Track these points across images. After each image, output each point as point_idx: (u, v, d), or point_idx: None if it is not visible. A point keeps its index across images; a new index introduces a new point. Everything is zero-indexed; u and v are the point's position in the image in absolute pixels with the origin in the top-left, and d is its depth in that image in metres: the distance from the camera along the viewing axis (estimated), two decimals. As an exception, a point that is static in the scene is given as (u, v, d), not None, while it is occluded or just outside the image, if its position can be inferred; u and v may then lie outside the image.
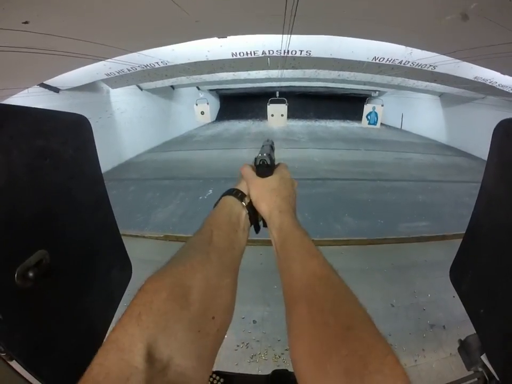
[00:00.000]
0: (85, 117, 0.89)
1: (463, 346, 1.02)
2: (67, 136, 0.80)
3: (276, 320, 3.43)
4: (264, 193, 0.67)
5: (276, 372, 0.87)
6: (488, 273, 0.86)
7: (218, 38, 5.15)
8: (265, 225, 0.69)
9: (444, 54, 4.39)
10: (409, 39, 4.08)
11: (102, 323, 0.85)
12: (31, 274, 0.57)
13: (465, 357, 1.01)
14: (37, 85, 6.35)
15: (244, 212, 0.65)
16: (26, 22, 2.36)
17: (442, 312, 3.48)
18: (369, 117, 9.87)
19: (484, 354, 0.91)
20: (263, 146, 0.84)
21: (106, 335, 0.37)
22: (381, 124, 18.98)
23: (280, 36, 4.35)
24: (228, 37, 5.09)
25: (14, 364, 0.61)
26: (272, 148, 0.83)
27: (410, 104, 16.88)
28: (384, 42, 4.83)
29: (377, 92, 17.99)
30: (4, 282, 0.54)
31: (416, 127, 16.97)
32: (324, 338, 0.38)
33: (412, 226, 5.52)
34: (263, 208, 0.65)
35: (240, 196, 0.67)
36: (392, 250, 4.85)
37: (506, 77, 5.73)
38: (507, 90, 6.78)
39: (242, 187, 0.70)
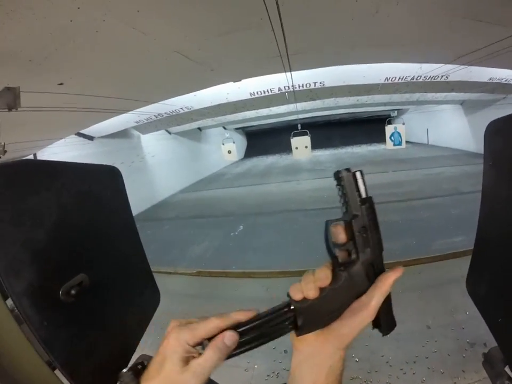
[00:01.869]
0: (116, 168, 1.10)
1: (487, 359, 0.98)
2: (104, 182, 1.02)
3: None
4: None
5: None
6: (502, 279, 0.83)
7: (234, 82, 5.52)
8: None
9: (448, 63, 4.43)
10: (406, 56, 4.18)
11: (132, 342, 0.97)
12: (73, 291, 0.72)
13: (489, 370, 0.97)
14: (73, 134, 6.77)
15: None
16: (61, 84, 2.74)
17: (482, 329, 3.23)
18: (392, 137, 9.73)
19: (507, 366, 0.88)
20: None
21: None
22: (408, 142, 18.54)
23: (284, 73, 4.61)
24: (243, 80, 5.44)
25: (57, 372, 0.73)
26: None
27: (434, 117, 16.44)
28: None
29: (396, 112, 17.85)
30: (51, 296, 0.69)
31: (443, 139, 16.41)
32: None
33: (447, 243, 5.27)
34: None
35: None
36: (427, 269, 4.63)
37: None
38: None
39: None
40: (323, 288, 0.47)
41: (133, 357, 0.94)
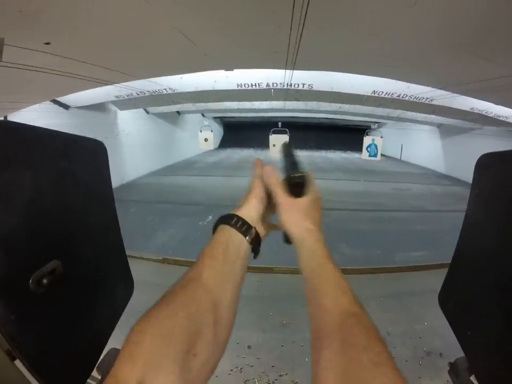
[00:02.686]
0: (103, 144, 1.00)
1: (452, 369, 1.03)
2: (87, 160, 0.90)
3: (270, 346, 3.38)
4: (296, 218, 0.63)
5: None
6: (471, 295, 0.92)
7: (225, 70, 5.38)
8: (288, 242, 0.66)
9: (438, 88, 4.57)
10: (403, 76, 4.27)
11: (103, 335, 0.90)
12: (45, 281, 0.62)
13: (455, 379, 1.02)
14: (48, 101, 6.52)
15: (245, 245, 0.62)
16: (47, 43, 2.51)
17: (439, 339, 3.40)
18: (369, 149, 9.99)
19: (473, 375, 0.93)
20: (286, 155, 0.75)
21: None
22: (382, 154, 19.17)
23: (284, 70, 4.55)
24: (235, 70, 5.32)
25: (18, 363, 0.65)
26: (298, 157, 0.74)
27: (410, 135, 17.21)
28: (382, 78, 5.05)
29: (376, 124, 18.37)
30: (19, 286, 0.59)
31: (415, 157, 17.23)
32: (355, 372, 0.41)
33: (409, 256, 5.51)
34: (295, 234, 0.63)
35: (244, 229, 0.62)
36: (389, 279, 4.80)
37: (499, 107, 5.93)
38: (502, 119, 6.98)
39: (247, 212, 0.65)
40: None
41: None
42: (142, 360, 0.40)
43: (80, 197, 0.83)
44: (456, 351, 2.99)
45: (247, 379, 3.03)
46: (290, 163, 0.71)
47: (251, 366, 3.19)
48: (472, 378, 0.94)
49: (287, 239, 0.65)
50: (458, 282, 1.03)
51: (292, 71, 4.56)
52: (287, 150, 0.77)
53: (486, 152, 0.92)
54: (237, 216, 0.63)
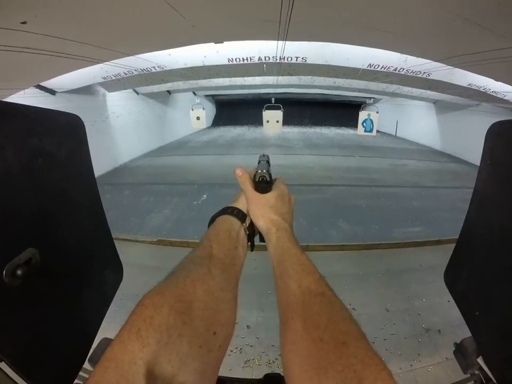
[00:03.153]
0: (80, 118, 0.88)
1: (459, 350, 1.00)
2: (62, 136, 0.80)
3: (269, 325, 3.40)
4: (262, 210, 0.68)
5: (268, 376, 0.86)
6: (482, 275, 0.87)
7: (215, 43, 5.19)
8: (262, 239, 0.70)
9: (436, 61, 4.44)
10: (402, 46, 4.12)
11: (92, 325, 0.84)
12: (19, 272, 0.56)
13: (461, 360, 0.99)
14: (33, 87, 6.31)
15: (243, 231, 0.66)
16: (24, 22, 2.35)
17: (437, 316, 3.47)
18: (364, 124, 9.87)
19: (480, 357, 0.90)
20: (259, 162, 0.84)
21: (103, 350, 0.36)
22: (378, 131, 19.13)
23: (276, 42, 4.39)
24: (225, 43, 5.13)
25: (2, 364, 0.59)
26: (268, 163, 0.83)
27: (405, 111, 17.11)
28: (379, 50, 4.89)
29: (372, 99, 18.18)
30: None
31: (411, 133, 17.18)
32: (320, 354, 0.38)
33: (407, 232, 5.55)
34: (261, 224, 0.67)
35: (241, 216, 0.68)
36: (387, 255, 4.85)
37: (500, 83, 5.82)
38: (500, 96, 6.90)
39: (242, 204, 0.71)
40: None
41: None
42: (152, 339, 0.35)
43: (56, 176, 0.74)
44: (454, 328, 3.04)
45: (248, 359, 3.06)
46: (261, 166, 0.78)
47: (251, 346, 3.23)
48: (479, 360, 0.91)
49: (262, 237, 0.70)
50: (467, 261, 0.97)
51: (284, 42, 4.38)
52: (262, 158, 0.86)
53: (481, 129, 0.89)
54: (232, 206, 0.70)
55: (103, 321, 0.89)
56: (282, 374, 0.44)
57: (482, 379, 0.92)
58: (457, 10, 2.33)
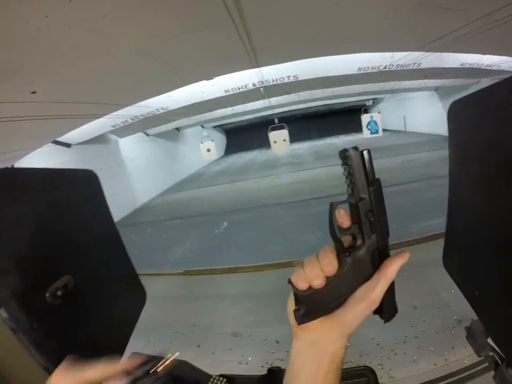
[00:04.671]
0: (93, 171, 1.08)
1: (469, 333, 1.01)
2: (78, 188, 1.02)
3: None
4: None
5: (270, 370, 0.95)
6: (471, 254, 0.87)
7: (207, 80, 5.49)
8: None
9: (416, 51, 4.52)
10: (373, 46, 4.25)
11: (121, 340, 0.99)
12: (59, 293, 0.73)
13: (472, 343, 0.99)
14: (49, 143, 6.65)
15: None
16: (34, 92, 2.69)
17: (468, 305, 3.33)
18: (369, 126, 9.88)
19: (489, 337, 0.90)
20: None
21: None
22: (386, 130, 18.87)
23: (254, 70, 4.65)
24: (215, 78, 5.42)
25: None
26: None
27: (410, 104, 16.85)
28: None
29: (371, 101, 18.10)
30: (38, 299, 0.70)
31: (419, 125, 16.83)
32: None
33: (426, 225, 5.44)
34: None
35: None
36: (409, 252, 4.76)
37: (488, 56, 5.79)
38: (495, 68, 6.79)
39: None
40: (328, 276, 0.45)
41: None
42: None
43: (79, 219, 0.96)
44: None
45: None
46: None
47: (281, 360, 3.19)
48: (490, 341, 0.92)
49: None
50: (456, 244, 0.98)
51: (260, 69, 4.63)
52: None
53: None
54: None
55: (135, 340, 1.04)
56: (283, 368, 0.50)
57: (497, 359, 0.92)
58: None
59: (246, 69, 4.55)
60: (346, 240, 0.47)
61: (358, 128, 18.48)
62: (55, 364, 0.69)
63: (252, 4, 1.95)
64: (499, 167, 0.67)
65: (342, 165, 0.47)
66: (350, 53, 4.69)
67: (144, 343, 3.24)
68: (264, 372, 3.06)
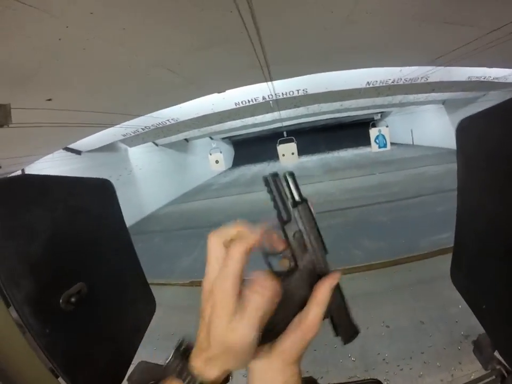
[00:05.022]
0: (109, 180, 1.11)
1: (476, 347, 1.01)
2: (94, 196, 1.04)
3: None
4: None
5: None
6: (479, 267, 0.87)
7: (218, 93, 5.58)
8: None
9: (426, 65, 4.55)
10: (385, 61, 4.30)
11: (129, 349, 0.99)
12: (73, 299, 0.74)
13: (479, 357, 0.99)
14: (61, 149, 6.76)
15: None
16: (49, 99, 2.77)
17: (475, 321, 3.26)
18: (377, 140, 9.90)
19: (496, 350, 0.89)
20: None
21: None
22: (393, 143, 18.88)
23: (266, 83, 4.72)
24: (227, 91, 5.50)
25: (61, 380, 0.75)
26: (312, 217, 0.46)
27: (417, 118, 16.84)
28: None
29: (379, 114, 18.13)
30: (52, 304, 0.72)
31: (427, 139, 16.79)
32: None
33: (435, 240, 5.36)
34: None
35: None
36: (417, 267, 4.70)
37: (494, 69, 5.81)
38: (502, 81, 6.80)
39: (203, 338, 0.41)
40: None
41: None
42: None
43: (95, 227, 0.98)
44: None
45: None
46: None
47: None
48: (497, 354, 0.90)
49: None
50: (464, 258, 0.98)
51: (272, 83, 4.70)
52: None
53: None
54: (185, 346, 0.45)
55: (142, 349, 1.04)
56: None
57: (504, 372, 0.93)
58: (421, 15, 2.49)
59: (258, 83, 4.61)
60: (283, 264, 0.45)
61: (366, 142, 18.47)
62: (63, 368, 0.71)
63: (268, 20, 2.00)
64: (508, 178, 0.68)
65: (267, 191, 0.46)
66: (360, 67, 4.73)
67: (148, 352, 3.19)
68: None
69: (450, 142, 13.87)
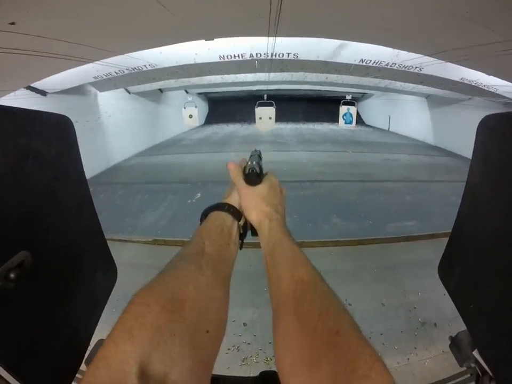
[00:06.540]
0: (68, 118, 0.87)
1: (454, 343, 1.01)
2: (50, 136, 0.78)
3: (266, 322, 3.41)
4: (253, 202, 0.67)
5: (263, 374, 0.85)
6: (475, 270, 0.87)
7: (206, 40, 5.15)
8: (254, 233, 0.70)
9: (428, 55, 4.45)
10: (393, 41, 4.13)
11: (87, 328, 0.84)
12: (12, 275, 0.55)
13: (457, 354, 1.00)
14: (24, 88, 6.24)
15: (236, 227, 0.65)
16: (12, 23, 2.32)
17: (433, 310, 3.50)
18: (344, 117, 10.33)
19: (476, 350, 0.90)
20: (251, 156, 0.84)
21: (96, 349, 0.35)
22: (370, 126, 19.45)
23: (267, 38, 4.38)
24: (215, 40, 5.09)
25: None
26: (260, 157, 0.84)
27: (398, 106, 17.23)
28: (371, 45, 4.89)
29: (350, 95, 18.38)
30: None
31: (404, 128, 17.30)
32: (313, 345, 0.37)
33: (400, 226, 5.57)
34: (252, 216, 0.66)
35: (234, 212, 0.66)
36: (381, 250, 4.89)
37: (491, 77, 5.85)
38: (492, 90, 6.94)
39: (234, 200, 0.69)
40: None
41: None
42: (144, 338, 0.34)
43: (46, 176, 0.73)
44: (450, 322, 3.06)
45: (245, 357, 3.07)
46: (252, 159, 0.79)
47: (248, 343, 3.24)
48: (475, 353, 0.91)
49: (253, 231, 0.69)
50: (460, 256, 0.97)
51: (274, 38, 4.37)
52: (254, 153, 0.87)
53: (473, 123, 0.87)
54: (226, 203, 0.68)
55: (100, 323, 0.89)
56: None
57: (479, 371, 0.93)
58: (449, 5, 2.34)
59: (258, 36, 4.24)
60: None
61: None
62: (5, 360, 0.56)
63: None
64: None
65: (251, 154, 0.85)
66: (366, 42, 4.50)
67: (106, 314, 3.06)
68: (230, 354, 3.02)
69: (426, 135, 14.48)
